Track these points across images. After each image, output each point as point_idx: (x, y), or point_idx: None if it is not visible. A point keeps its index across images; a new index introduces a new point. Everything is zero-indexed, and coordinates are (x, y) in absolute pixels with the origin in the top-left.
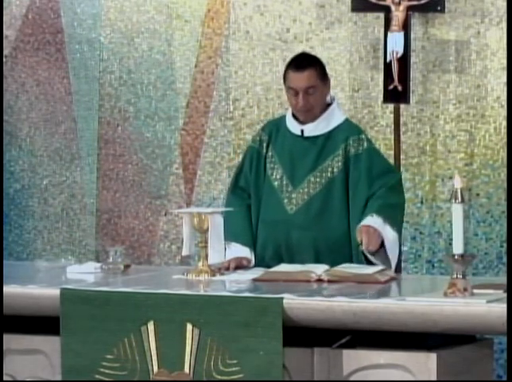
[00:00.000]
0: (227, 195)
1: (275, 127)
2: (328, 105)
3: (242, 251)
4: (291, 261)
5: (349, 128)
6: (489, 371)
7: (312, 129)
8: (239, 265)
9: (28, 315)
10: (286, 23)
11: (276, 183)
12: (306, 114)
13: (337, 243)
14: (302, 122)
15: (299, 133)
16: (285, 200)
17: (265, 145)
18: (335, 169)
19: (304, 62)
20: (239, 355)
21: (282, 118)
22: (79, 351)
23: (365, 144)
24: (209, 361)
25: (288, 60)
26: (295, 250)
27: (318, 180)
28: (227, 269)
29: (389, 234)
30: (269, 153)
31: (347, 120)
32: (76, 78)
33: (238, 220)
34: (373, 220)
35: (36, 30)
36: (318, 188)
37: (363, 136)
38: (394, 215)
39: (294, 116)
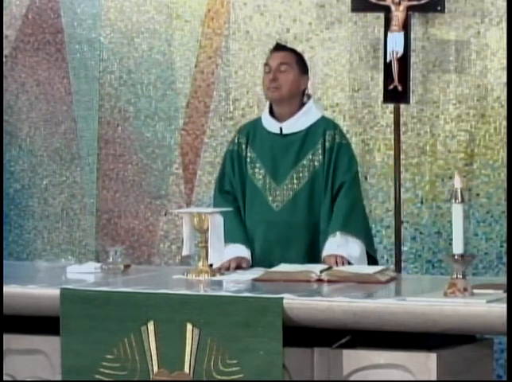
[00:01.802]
0: (214, 201)
1: (251, 128)
2: (305, 104)
3: (241, 251)
4: (282, 257)
5: (326, 123)
6: (489, 371)
7: (291, 126)
8: (239, 264)
9: (28, 315)
10: (286, 23)
11: (259, 183)
12: (274, 93)
13: (324, 235)
14: (280, 120)
15: (277, 131)
16: (270, 198)
17: (243, 147)
18: (316, 163)
19: (286, 47)
20: (239, 355)
21: (257, 120)
22: (79, 351)
23: (337, 138)
24: (209, 361)
25: None
26: (284, 246)
27: (301, 175)
28: (228, 269)
29: (354, 251)
30: (249, 155)
31: (323, 117)
32: (76, 78)
33: (231, 221)
34: (336, 242)
35: (36, 30)
36: (302, 183)
37: (338, 131)
38: (357, 222)
39: (271, 114)
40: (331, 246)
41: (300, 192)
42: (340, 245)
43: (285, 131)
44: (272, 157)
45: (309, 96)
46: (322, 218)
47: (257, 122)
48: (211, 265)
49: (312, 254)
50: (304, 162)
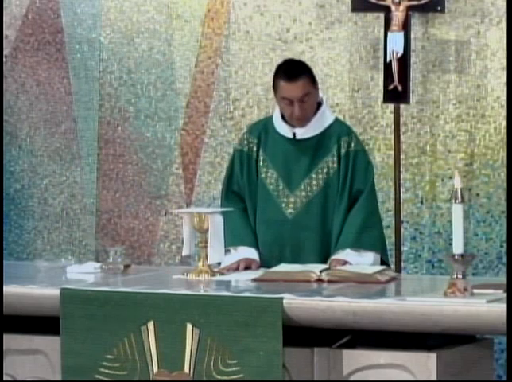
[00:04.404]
0: (221, 201)
1: (263, 130)
2: (318, 105)
3: (251, 253)
4: (294, 261)
5: (340, 128)
6: (489, 371)
7: (305, 131)
8: (249, 266)
9: (28, 315)
10: (286, 23)
11: (271, 187)
12: (301, 122)
13: (335, 246)
14: (293, 125)
15: (290, 136)
16: (283, 205)
17: (254, 148)
18: (331, 170)
19: (295, 71)
20: (239, 355)
21: (269, 120)
22: (79, 351)
23: (352, 144)
24: (209, 361)
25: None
26: (298, 251)
27: (315, 182)
28: (237, 270)
29: (366, 261)
30: (261, 157)
31: (336, 119)
32: (76, 78)
33: (238, 223)
34: (345, 254)
35: (36, 30)
36: (316, 190)
37: (353, 136)
38: (372, 235)
39: (283, 119)
40: (340, 255)
41: (314, 199)
42: (349, 254)
43: (298, 137)
44: (285, 162)
45: (321, 97)
46: (335, 227)
47: (269, 123)
48: (228, 269)
49: (325, 260)
50: (319, 169)
